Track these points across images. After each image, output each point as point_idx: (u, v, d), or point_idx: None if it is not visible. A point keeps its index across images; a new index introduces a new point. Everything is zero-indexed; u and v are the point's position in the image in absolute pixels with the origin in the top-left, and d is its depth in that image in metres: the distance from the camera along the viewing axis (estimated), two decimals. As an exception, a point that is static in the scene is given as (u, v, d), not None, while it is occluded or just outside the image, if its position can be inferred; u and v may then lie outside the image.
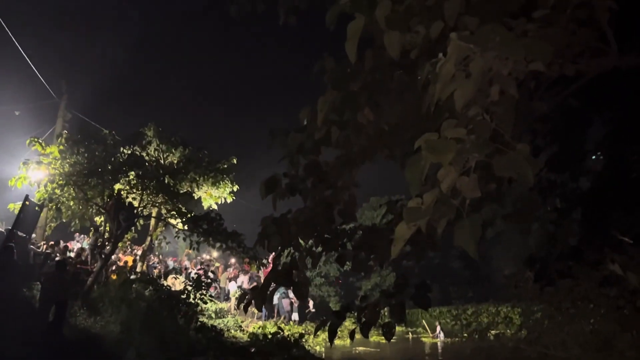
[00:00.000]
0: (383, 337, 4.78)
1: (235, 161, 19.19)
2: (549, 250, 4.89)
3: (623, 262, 2.73)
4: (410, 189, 2.67)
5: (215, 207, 19.40)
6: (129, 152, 17.32)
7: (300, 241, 5.12)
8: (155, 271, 19.09)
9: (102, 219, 17.33)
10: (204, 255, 29.66)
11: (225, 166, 18.90)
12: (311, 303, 29.54)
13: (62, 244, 19.00)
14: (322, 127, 4.30)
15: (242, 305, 4.95)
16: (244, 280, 27.37)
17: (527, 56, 2.69)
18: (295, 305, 27.01)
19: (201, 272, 15.54)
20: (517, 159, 2.53)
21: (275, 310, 27.06)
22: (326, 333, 4.75)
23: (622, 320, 2.64)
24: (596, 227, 4.96)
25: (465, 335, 3.58)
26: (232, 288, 28.22)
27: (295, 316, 26.50)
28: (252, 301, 4.88)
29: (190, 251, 20.37)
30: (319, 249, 5.24)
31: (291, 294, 28.54)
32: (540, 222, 6.05)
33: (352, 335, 4.83)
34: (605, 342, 2.62)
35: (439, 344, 25.92)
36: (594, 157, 6.51)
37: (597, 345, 2.65)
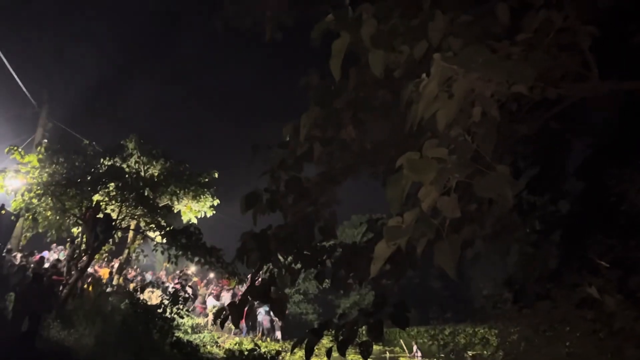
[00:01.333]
0: (360, 356, 4.74)
1: (216, 175, 19.08)
2: (528, 272, 4.91)
3: (600, 285, 2.76)
4: (390, 207, 2.67)
5: (195, 221, 19.24)
6: (109, 163, 17.13)
7: (280, 257, 5.08)
8: (132, 285, 18.79)
9: (79, 230, 17.09)
10: (189, 270, 29.19)
11: (207, 180, 18.78)
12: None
13: (37, 254, 18.67)
14: (304, 143, 4.29)
15: (218, 321, 4.89)
16: (226, 297, 27.03)
17: (510, 78, 2.72)
18: (279, 324, 26.66)
19: (178, 286, 15.34)
20: (498, 180, 2.55)
21: (259, 328, 26.72)
22: (303, 350, 4.70)
23: (598, 344, 2.65)
24: (574, 250, 5.00)
25: (442, 355, 3.54)
26: (210, 303, 27.92)
27: (278, 335, 26.11)
28: (229, 317, 4.83)
29: (168, 265, 20.15)
30: (298, 265, 5.20)
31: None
32: (519, 244, 6.08)
33: (328, 353, 4.78)
34: (582, 365, 2.64)
35: (415, 364, 25.83)
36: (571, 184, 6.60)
37: (575, 367, 2.67)
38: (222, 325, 4.93)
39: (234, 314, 4.77)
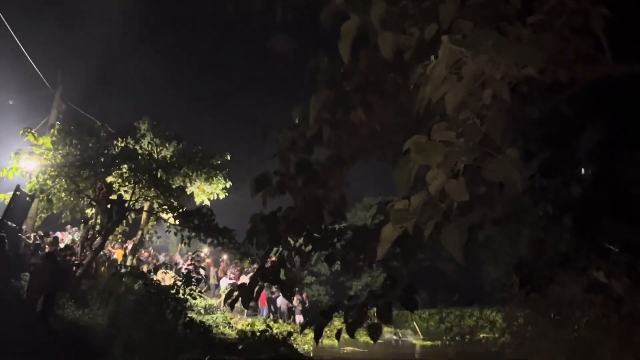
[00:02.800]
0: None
1: (228, 157, 19.13)
2: (537, 256, 4.90)
3: (608, 270, 2.74)
4: (397, 190, 2.66)
5: (207, 202, 19.35)
6: (122, 145, 17.26)
7: (290, 239, 5.10)
8: (145, 267, 18.98)
9: (93, 211, 17.27)
10: (202, 251, 29.39)
11: (219, 162, 18.85)
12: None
13: (52, 235, 18.92)
14: (314, 125, 4.28)
15: (237, 302, 4.92)
16: (245, 280, 27.30)
17: (519, 61, 2.69)
18: (299, 308, 26.85)
19: (191, 267, 15.46)
20: (506, 163, 2.53)
21: (279, 312, 27.04)
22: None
23: (606, 328, 2.64)
24: (585, 235, 4.97)
25: (449, 338, 3.57)
26: (223, 284, 28.19)
27: (299, 318, 26.20)
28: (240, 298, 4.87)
29: (182, 245, 20.32)
30: (309, 247, 5.22)
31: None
32: (530, 228, 6.07)
33: (338, 335, 4.81)
34: (589, 350, 2.62)
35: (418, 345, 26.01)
36: (583, 168, 6.55)
37: (582, 353, 2.65)
38: (231, 307, 4.98)
39: (244, 295, 4.80)
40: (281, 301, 26.98)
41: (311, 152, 4.84)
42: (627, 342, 2.46)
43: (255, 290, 4.93)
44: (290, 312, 27.25)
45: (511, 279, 3.27)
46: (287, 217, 4.87)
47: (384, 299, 4.69)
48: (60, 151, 15.84)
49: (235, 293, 4.88)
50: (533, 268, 4.46)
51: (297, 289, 31.52)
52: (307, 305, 27.87)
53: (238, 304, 5.09)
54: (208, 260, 29.07)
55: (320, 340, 5.05)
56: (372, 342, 4.75)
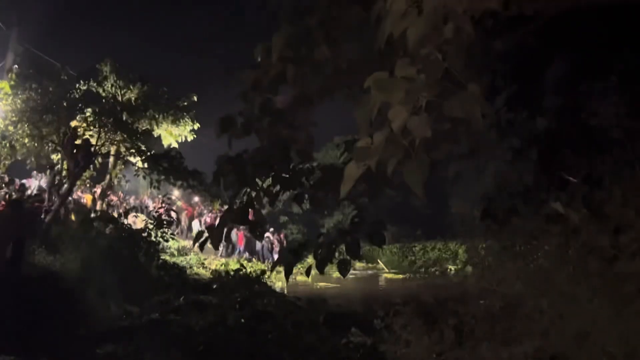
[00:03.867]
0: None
1: (195, 98, 18.78)
2: (502, 190, 4.99)
3: (566, 201, 2.81)
4: (359, 129, 2.65)
5: (176, 145, 19.12)
6: (85, 88, 16.77)
7: (258, 180, 5.09)
8: (115, 212, 18.86)
9: (59, 156, 16.94)
10: (173, 194, 29.37)
11: (185, 104, 18.51)
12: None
13: (17, 182, 18.56)
14: (277, 64, 4.20)
15: (206, 243, 4.94)
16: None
17: (481, -6, 2.65)
18: (276, 248, 27.26)
19: (162, 210, 15.46)
20: (467, 99, 2.52)
21: (259, 254, 27.52)
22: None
23: (563, 257, 2.74)
24: (548, 167, 5.06)
25: (413, 270, 3.69)
26: (196, 226, 28.34)
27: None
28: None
29: (152, 189, 20.19)
30: (277, 188, 5.22)
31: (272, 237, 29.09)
32: (496, 162, 6.14)
33: (308, 271, 4.90)
34: (546, 278, 2.73)
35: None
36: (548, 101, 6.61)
37: (539, 281, 2.76)
38: (201, 248, 5.00)
39: (214, 236, 4.81)
40: (259, 243, 27.39)
41: (276, 92, 4.77)
42: (582, 270, 2.56)
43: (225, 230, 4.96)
44: (269, 252, 27.72)
45: (471, 212, 3.34)
46: (254, 158, 4.84)
47: (352, 235, 4.76)
48: (20, 96, 15.33)
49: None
50: (494, 201, 4.56)
51: (272, 229, 32.01)
52: (284, 245, 28.29)
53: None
54: (179, 203, 29.04)
55: (293, 277, 5.13)
56: (342, 277, 4.84)
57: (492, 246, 3.17)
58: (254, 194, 5.01)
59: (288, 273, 4.82)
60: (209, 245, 5.00)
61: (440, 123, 3.85)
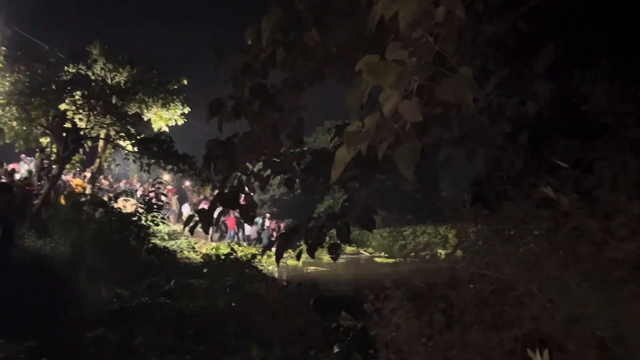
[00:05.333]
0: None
1: (185, 82, 18.63)
2: (492, 174, 5.00)
3: (556, 185, 2.82)
4: (350, 112, 2.63)
5: (166, 129, 19.00)
6: (74, 71, 16.61)
7: (249, 164, 5.07)
8: (105, 196, 18.76)
9: (48, 140, 16.81)
10: (163, 178, 29.37)
11: (176, 87, 18.37)
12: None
13: (6, 166, 18.42)
14: (267, 47, 4.15)
15: (196, 227, 4.93)
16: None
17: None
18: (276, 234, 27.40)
19: (152, 194, 15.38)
20: (459, 82, 2.50)
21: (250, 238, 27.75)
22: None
23: (552, 242, 2.75)
24: (538, 152, 5.07)
25: (403, 254, 3.70)
26: (185, 210, 28.33)
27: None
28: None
29: (142, 173, 20.10)
30: (267, 172, 5.21)
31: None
32: (487, 147, 6.14)
33: (298, 255, 4.91)
34: (535, 263, 2.74)
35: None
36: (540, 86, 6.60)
37: (528, 265, 2.77)
38: (191, 232, 4.99)
39: (204, 220, 4.80)
40: (251, 228, 27.54)
41: (267, 76, 4.73)
42: (572, 254, 2.57)
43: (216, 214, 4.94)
44: (259, 238, 27.84)
45: (462, 196, 3.34)
46: (244, 142, 4.81)
47: (342, 219, 4.76)
48: (8, 78, 15.16)
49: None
50: (487, 186, 4.57)
51: (269, 215, 32.17)
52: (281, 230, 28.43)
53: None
54: (170, 187, 28.96)
55: (284, 262, 5.16)
56: (332, 261, 4.85)
57: (482, 230, 3.17)
58: (244, 178, 5.00)
59: (279, 257, 4.82)
60: (200, 229, 5.01)
61: (431, 108, 3.84)
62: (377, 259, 28.56)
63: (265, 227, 28.94)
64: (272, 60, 4.27)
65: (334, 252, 4.75)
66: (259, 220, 29.05)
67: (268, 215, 32.72)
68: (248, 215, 4.95)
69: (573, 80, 4.06)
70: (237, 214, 22.78)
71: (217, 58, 4.97)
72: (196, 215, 4.87)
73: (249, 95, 4.58)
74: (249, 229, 27.85)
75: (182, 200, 31.35)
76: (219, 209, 4.97)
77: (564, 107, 5.46)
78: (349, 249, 30.19)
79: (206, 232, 5.08)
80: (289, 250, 5.09)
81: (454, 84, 2.50)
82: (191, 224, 4.87)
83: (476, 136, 5.87)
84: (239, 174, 4.96)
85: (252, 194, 5.09)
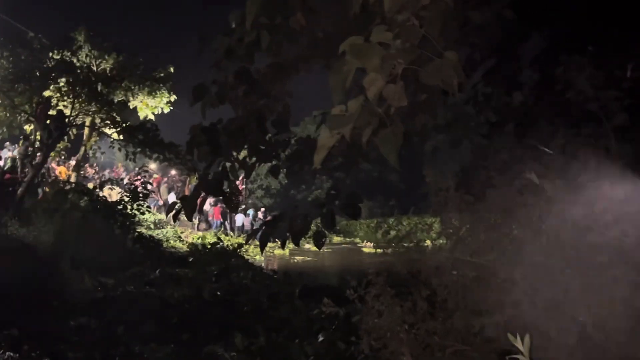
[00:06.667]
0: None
1: (172, 70, 18.50)
2: (478, 163, 4.99)
3: (541, 172, 2.81)
4: (333, 96, 2.59)
5: (152, 117, 18.86)
6: (58, 57, 16.41)
7: (233, 152, 5.02)
8: (90, 184, 18.60)
9: (32, 127, 16.61)
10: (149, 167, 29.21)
11: (162, 75, 18.23)
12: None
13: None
14: (251, 31, 4.08)
15: (177, 214, 4.88)
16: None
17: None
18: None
19: (138, 182, 15.27)
20: (444, 66, 2.48)
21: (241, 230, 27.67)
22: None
23: (536, 227, 2.75)
24: (524, 140, 5.07)
25: (386, 242, 3.69)
26: (172, 199, 28.15)
27: None
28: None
29: (128, 161, 19.96)
30: (253, 159, 5.16)
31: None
32: (472, 135, 6.13)
33: (283, 244, 4.87)
34: (519, 248, 2.74)
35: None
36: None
37: (512, 251, 2.77)
38: (174, 219, 4.94)
39: (187, 207, 4.75)
40: (243, 219, 27.55)
41: (251, 60, 4.66)
42: (555, 241, 2.56)
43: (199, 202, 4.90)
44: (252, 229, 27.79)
45: (444, 183, 3.32)
46: (228, 128, 4.76)
47: (327, 207, 4.74)
48: (-9, 64, 14.99)
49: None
50: (472, 173, 4.56)
51: (263, 209, 32.14)
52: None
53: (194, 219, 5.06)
54: (156, 176, 28.80)
55: (270, 251, 5.13)
56: (318, 250, 4.84)
57: (466, 218, 3.16)
58: (228, 165, 4.95)
59: (263, 246, 4.79)
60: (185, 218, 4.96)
61: (417, 94, 3.81)
62: (364, 249, 28.65)
63: (257, 219, 28.93)
64: (257, 45, 4.21)
65: (319, 239, 4.73)
66: (250, 212, 29.08)
67: (262, 208, 32.77)
68: (231, 201, 4.91)
69: (558, 68, 4.05)
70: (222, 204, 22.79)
71: (202, 43, 4.90)
72: (179, 202, 4.82)
73: (233, 80, 4.52)
74: (240, 220, 27.83)
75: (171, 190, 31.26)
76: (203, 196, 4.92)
77: (549, 94, 5.46)
78: (335, 239, 30.25)
79: (189, 219, 5.07)
80: (276, 240, 5.06)
81: (439, 67, 2.47)
82: (174, 212, 4.82)
83: (462, 125, 5.86)
84: (222, 160, 4.91)
85: (236, 181, 5.04)
